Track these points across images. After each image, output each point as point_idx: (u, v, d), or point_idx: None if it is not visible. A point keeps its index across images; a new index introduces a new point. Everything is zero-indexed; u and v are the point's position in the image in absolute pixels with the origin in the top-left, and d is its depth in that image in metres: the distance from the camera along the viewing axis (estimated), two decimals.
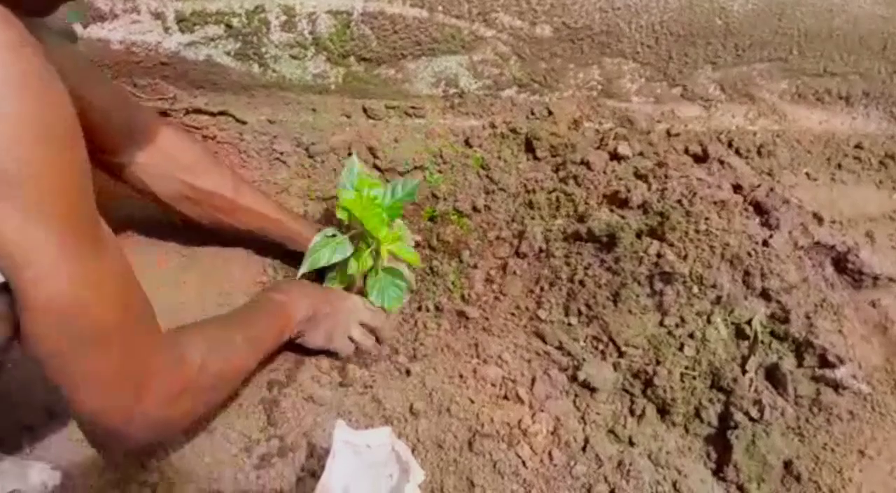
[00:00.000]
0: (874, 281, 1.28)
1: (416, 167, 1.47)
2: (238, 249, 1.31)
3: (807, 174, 1.53)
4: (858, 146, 1.58)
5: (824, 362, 1.11)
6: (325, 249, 1.13)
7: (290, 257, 1.28)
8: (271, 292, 1.10)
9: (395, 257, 1.19)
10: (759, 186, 1.34)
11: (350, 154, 1.47)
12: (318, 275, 1.24)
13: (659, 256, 1.14)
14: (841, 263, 1.27)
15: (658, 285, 1.13)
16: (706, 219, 1.16)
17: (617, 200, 1.27)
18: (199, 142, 1.40)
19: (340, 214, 1.15)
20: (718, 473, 1.04)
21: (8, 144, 0.59)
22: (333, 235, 1.17)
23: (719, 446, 1.06)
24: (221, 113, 1.50)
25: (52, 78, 0.64)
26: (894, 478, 1.05)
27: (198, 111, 1.49)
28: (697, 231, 1.15)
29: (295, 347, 1.14)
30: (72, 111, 0.65)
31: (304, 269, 1.13)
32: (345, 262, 1.16)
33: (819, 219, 1.32)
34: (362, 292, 1.22)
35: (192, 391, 0.83)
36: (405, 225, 1.34)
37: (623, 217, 1.23)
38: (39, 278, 0.62)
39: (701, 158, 1.45)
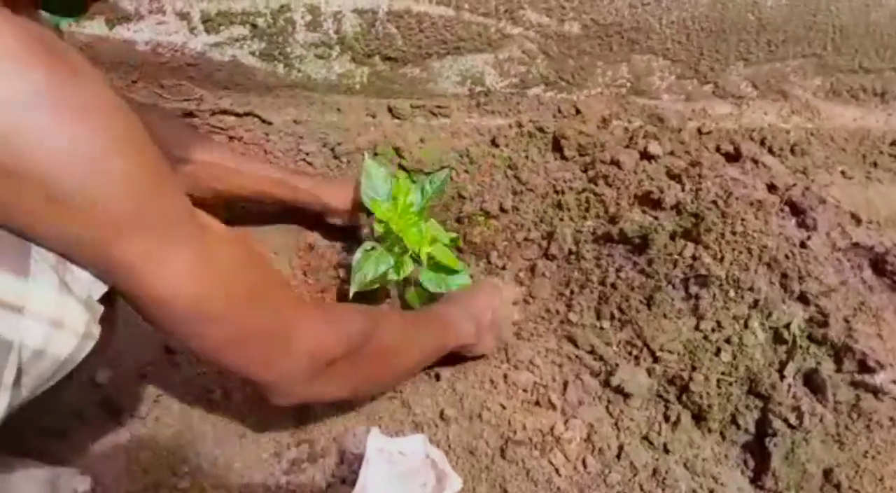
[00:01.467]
0: None
1: (442, 167, 1.46)
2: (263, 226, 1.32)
3: (842, 173, 1.49)
4: (894, 144, 1.54)
5: (864, 368, 1.08)
6: (367, 264, 1.13)
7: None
8: (436, 308, 1.10)
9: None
10: (794, 185, 1.31)
11: (376, 154, 1.46)
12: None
13: (694, 258, 1.11)
14: (879, 264, 1.24)
15: (693, 289, 1.11)
16: (743, 220, 1.13)
17: (649, 201, 1.25)
18: (179, 121, 1.41)
19: (378, 228, 1.16)
20: (756, 481, 1.02)
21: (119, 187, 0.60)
22: (372, 248, 1.16)
23: (757, 453, 1.04)
24: (247, 114, 1.49)
25: (119, 103, 0.62)
26: None
27: (224, 112, 1.48)
28: (734, 233, 1.12)
29: None
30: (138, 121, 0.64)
31: (354, 289, 1.13)
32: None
33: (857, 219, 1.28)
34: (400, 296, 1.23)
35: (354, 360, 0.83)
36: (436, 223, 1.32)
37: (656, 218, 1.20)
38: (168, 283, 0.65)
39: (733, 157, 1.42)
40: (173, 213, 0.65)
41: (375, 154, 1.46)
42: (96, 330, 0.66)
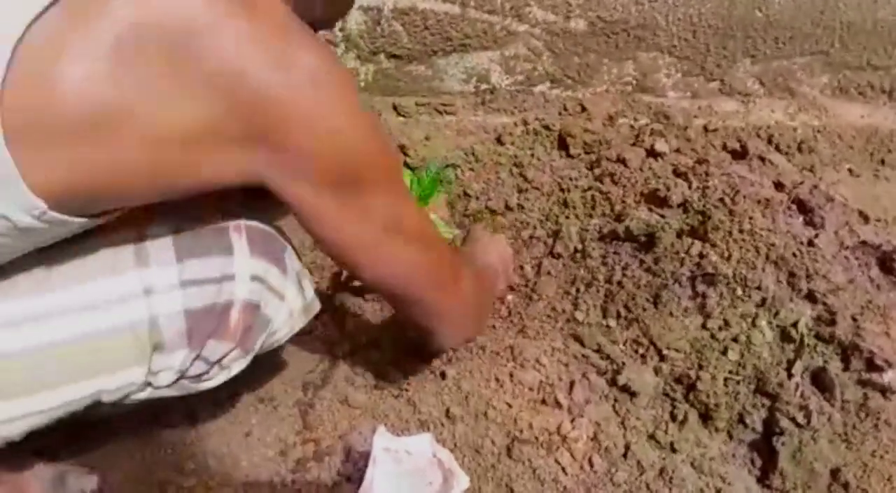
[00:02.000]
0: None
1: (447, 165, 1.45)
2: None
3: (849, 170, 1.49)
4: None
5: (871, 366, 1.07)
6: None
7: None
8: (481, 269, 1.14)
9: None
10: (801, 183, 1.31)
11: None
12: None
13: (701, 256, 1.11)
14: (887, 263, 1.24)
15: (700, 287, 1.10)
16: (750, 218, 1.13)
17: (656, 199, 1.24)
18: None
19: None
20: (763, 480, 1.01)
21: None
22: None
23: (764, 452, 1.03)
24: None
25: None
26: None
27: None
28: (741, 231, 1.11)
29: (328, 349, 1.13)
30: None
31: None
32: None
33: (865, 217, 1.28)
34: None
35: (479, 297, 0.98)
36: (441, 221, 1.32)
37: (663, 216, 1.20)
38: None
39: (740, 155, 1.42)
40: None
41: None
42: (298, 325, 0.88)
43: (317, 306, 0.90)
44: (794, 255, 1.13)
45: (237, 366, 0.82)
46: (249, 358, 0.83)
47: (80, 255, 0.73)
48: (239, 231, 0.79)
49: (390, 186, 0.77)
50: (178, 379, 0.78)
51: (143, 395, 0.78)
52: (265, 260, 0.79)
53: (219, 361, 0.79)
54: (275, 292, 0.81)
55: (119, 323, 0.72)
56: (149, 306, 0.73)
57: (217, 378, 0.82)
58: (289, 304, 0.84)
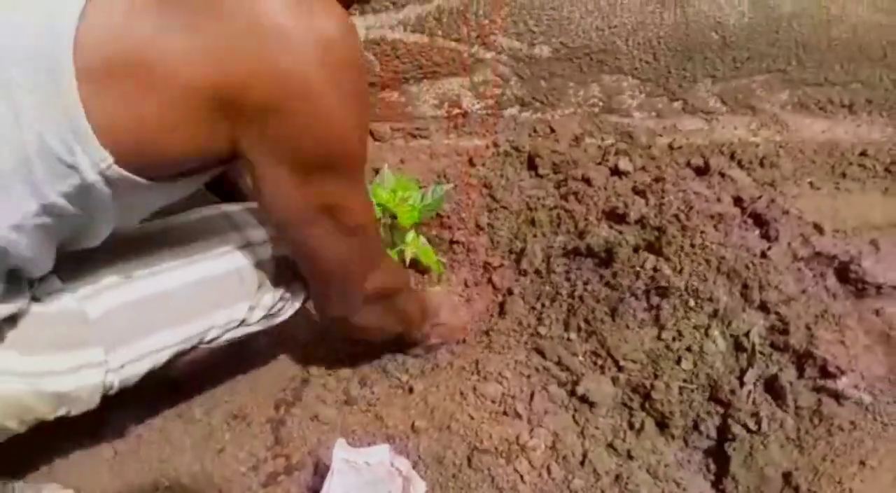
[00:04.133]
0: (878, 290, 1.28)
1: (421, 188, 1.50)
2: None
3: (810, 184, 1.53)
4: (863, 154, 1.57)
5: (825, 373, 1.11)
6: None
7: None
8: (427, 302, 1.17)
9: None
10: (759, 197, 1.35)
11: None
12: None
13: (655, 270, 1.15)
14: (843, 272, 1.27)
15: (655, 300, 1.14)
16: (702, 232, 1.17)
17: (615, 216, 1.29)
18: None
19: (377, 211, 1.24)
20: (718, 485, 1.05)
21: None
22: None
23: (718, 458, 1.07)
24: None
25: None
26: None
27: None
28: (693, 245, 1.16)
29: (300, 368, 1.18)
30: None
31: None
32: None
33: (820, 229, 1.32)
34: None
35: (388, 304, 1.02)
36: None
37: (621, 232, 1.24)
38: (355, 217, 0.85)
39: (703, 171, 1.46)
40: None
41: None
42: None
43: None
44: (746, 267, 1.17)
45: (298, 299, 1.01)
46: (303, 294, 1.01)
47: (182, 229, 0.93)
48: (231, 213, 0.97)
49: (352, 176, 0.83)
50: (264, 315, 0.96)
51: (237, 333, 0.95)
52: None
53: (287, 298, 0.98)
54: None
55: (230, 267, 0.92)
56: (253, 253, 0.94)
57: (286, 313, 1.00)
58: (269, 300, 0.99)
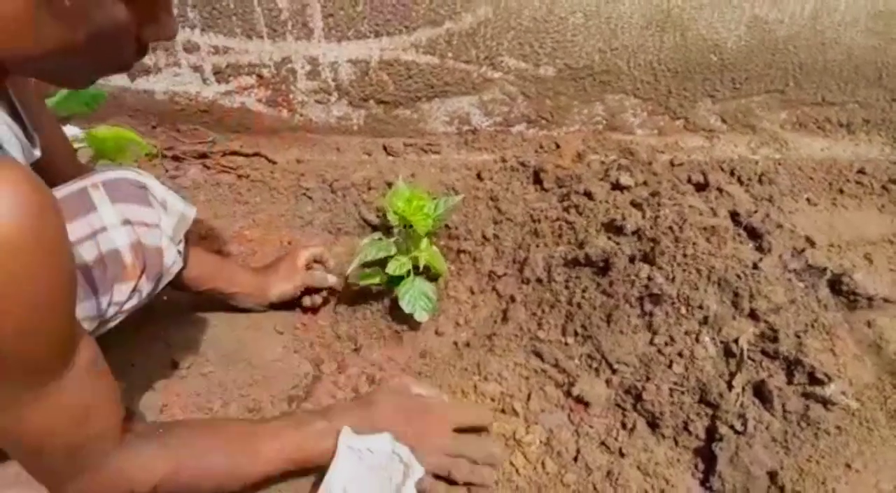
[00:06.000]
0: (869, 302, 1.33)
1: (433, 199, 1.58)
2: None
3: (807, 200, 1.58)
4: (861, 171, 1.62)
5: (813, 380, 1.16)
6: (371, 247, 1.30)
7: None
8: (318, 415, 1.01)
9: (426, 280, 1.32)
10: (755, 212, 1.41)
11: (369, 188, 1.59)
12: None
13: (649, 279, 1.21)
14: (836, 284, 1.33)
15: (648, 307, 1.20)
16: (694, 244, 1.23)
17: (613, 228, 1.35)
18: None
19: (391, 217, 1.34)
20: (705, 483, 1.10)
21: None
22: (380, 239, 1.34)
23: (707, 457, 1.12)
24: (255, 154, 1.64)
25: (66, 241, 0.66)
26: (880, 491, 1.09)
27: (234, 153, 1.64)
28: (685, 255, 1.22)
29: (312, 366, 1.25)
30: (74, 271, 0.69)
31: (353, 265, 1.29)
32: (384, 264, 1.30)
33: (811, 242, 1.37)
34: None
35: None
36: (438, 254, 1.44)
37: (618, 243, 1.31)
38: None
39: (702, 187, 1.52)
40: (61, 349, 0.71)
41: (368, 189, 1.59)
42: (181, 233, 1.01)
43: (191, 212, 1.05)
44: (738, 277, 1.23)
45: (152, 286, 0.95)
46: (167, 279, 0.99)
47: None
48: (96, 187, 0.89)
49: (31, 386, 0.68)
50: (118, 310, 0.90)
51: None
52: (128, 202, 0.91)
53: (130, 297, 0.90)
54: (148, 225, 0.93)
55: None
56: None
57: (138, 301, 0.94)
58: (164, 228, 0.97)
